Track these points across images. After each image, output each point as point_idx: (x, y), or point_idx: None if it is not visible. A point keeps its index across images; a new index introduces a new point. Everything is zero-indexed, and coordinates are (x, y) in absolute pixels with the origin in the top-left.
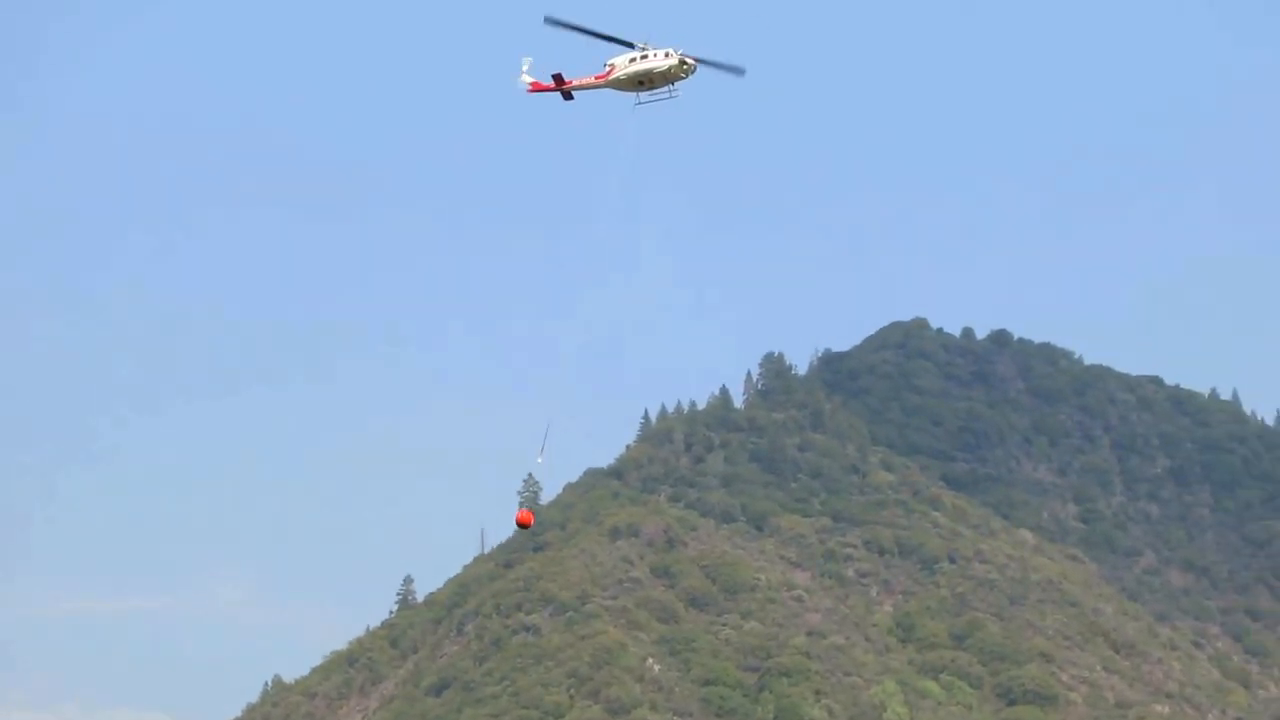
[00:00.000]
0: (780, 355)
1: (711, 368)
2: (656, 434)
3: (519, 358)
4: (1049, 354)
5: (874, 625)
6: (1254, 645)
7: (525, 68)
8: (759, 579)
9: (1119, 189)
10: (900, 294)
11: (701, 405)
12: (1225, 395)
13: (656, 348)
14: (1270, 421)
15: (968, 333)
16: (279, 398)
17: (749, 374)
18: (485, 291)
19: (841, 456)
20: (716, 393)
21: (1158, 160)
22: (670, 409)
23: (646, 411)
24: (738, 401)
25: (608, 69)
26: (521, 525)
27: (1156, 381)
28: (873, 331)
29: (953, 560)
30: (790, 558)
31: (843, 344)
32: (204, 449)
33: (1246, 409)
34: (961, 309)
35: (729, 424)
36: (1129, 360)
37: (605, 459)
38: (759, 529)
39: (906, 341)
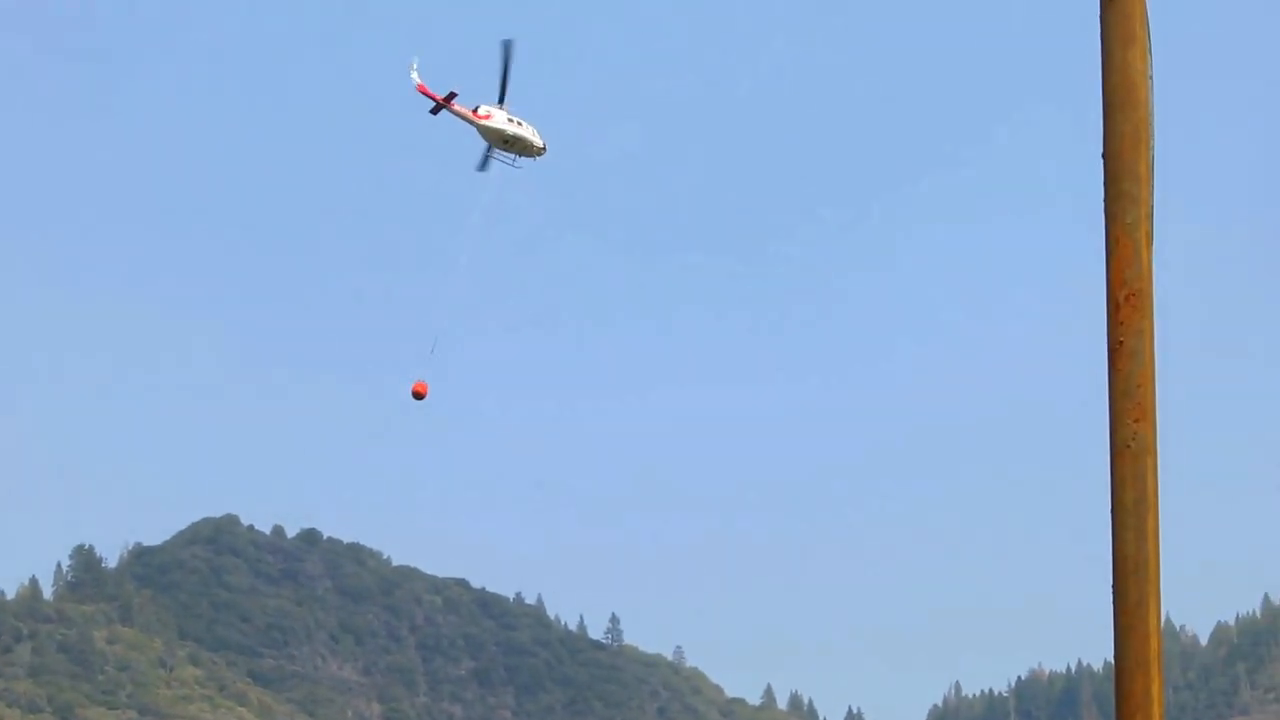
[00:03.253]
0: (90, 548)
1: (21, 558)
2: None
3: None
4: (357, 554)
5: None
6: None
7: (416, 66)
8: None
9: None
10: (212, 489)
11: (10, 595)
12: (530, 600)
13: None
14: (573, 627)
15: (278, 530)
16: None
17: (59, 565)
18: None
19: (150, 650)
20: (26, 583)
21: (514, 361)
22: None
23: None
24: (47, 593)
25: (486, 113)
26: (417, 395)
27: (463, 584)
28: (184, 526)
29: None
30: None
31: (154, 538)
32: None
33: (551, 614)
34: (272, 506)
35: (38, 615)
36: (436, 562)
37: None
38: None
39: (217, 537)
